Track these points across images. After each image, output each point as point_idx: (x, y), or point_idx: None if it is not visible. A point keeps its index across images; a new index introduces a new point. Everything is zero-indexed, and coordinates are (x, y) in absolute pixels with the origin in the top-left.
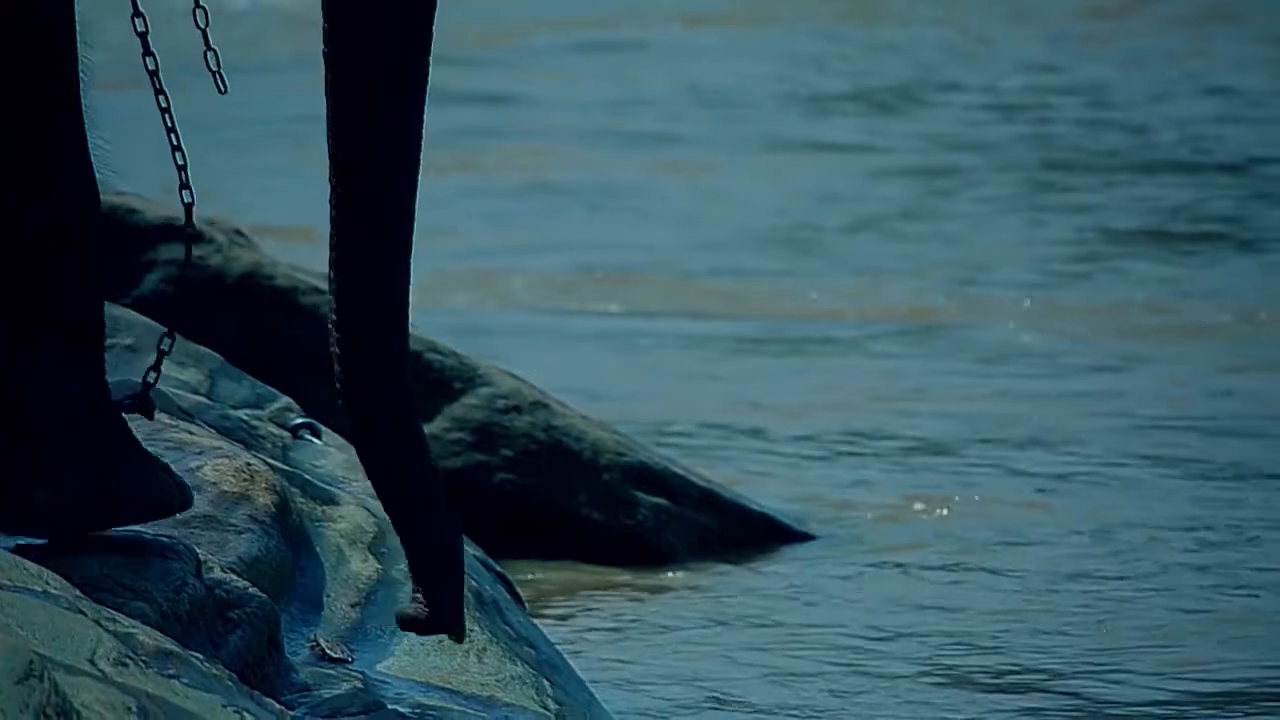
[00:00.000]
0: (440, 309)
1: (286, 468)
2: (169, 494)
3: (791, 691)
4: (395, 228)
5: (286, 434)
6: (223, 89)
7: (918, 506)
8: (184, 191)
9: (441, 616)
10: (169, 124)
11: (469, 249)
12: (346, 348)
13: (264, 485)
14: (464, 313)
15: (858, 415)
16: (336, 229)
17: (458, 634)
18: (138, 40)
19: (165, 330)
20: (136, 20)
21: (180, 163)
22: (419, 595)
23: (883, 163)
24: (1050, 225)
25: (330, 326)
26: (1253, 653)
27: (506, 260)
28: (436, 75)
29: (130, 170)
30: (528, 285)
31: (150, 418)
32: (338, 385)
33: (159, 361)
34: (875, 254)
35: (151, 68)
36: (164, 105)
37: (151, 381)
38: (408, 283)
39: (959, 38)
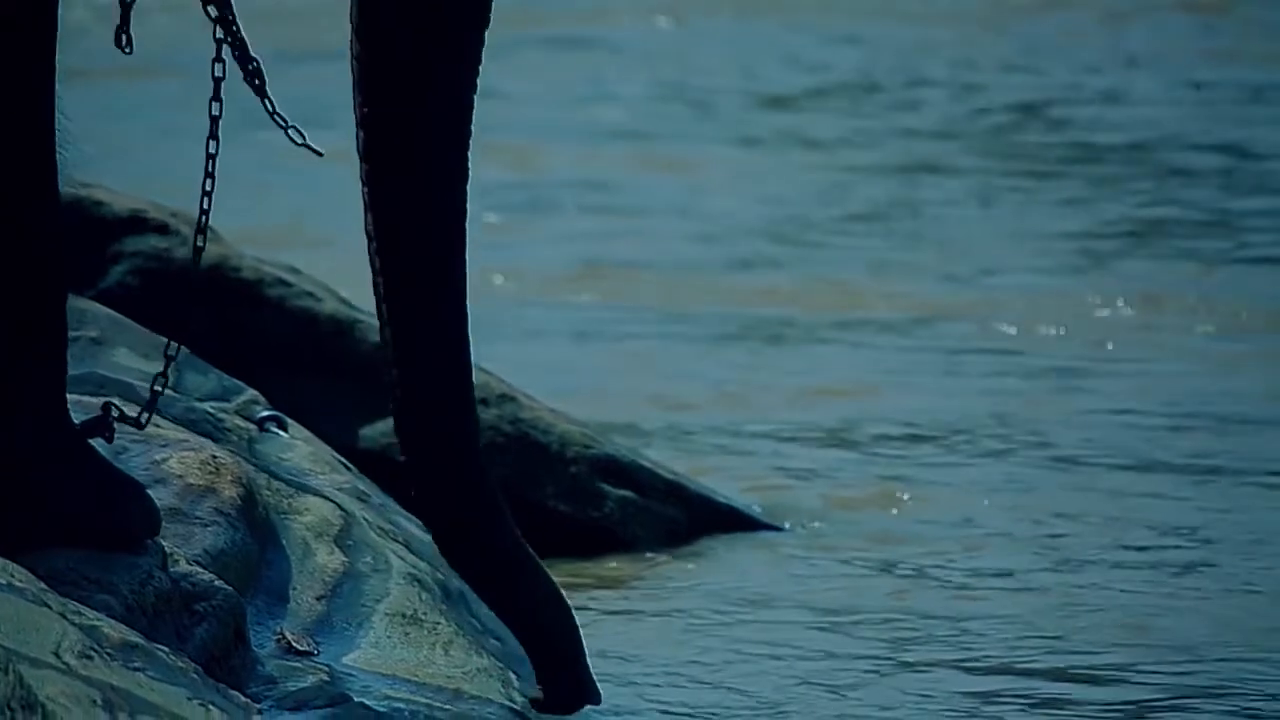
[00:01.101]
0: None
1: (252, 460)
2: (130, 520)
3: (758, 680)
4: (448, 301)
5: (253, 427)
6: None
7: (887, 498)
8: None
9: (567, 695)
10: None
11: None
12: (413, 433)
13: (230, 478)
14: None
15: (829, 407)
16: (388, 305)
17: (594, 700)
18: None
19: (167, 341)
20: (216, 65)
21: (205, 206)
22: (543, 675)
23: (862, 158)
24: (1034, 220)
25: (393, 407)
26: (1214, 649)
27: (481, 253)
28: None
29: (97, 161)
30: (503, 279)
31: (110, 440)
32: (406, 469)
33: (165, 368)
34: (855, 248)
35: (215, 113)
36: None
37: (160, 389)
38: (469, 357)
39: (930, 31)
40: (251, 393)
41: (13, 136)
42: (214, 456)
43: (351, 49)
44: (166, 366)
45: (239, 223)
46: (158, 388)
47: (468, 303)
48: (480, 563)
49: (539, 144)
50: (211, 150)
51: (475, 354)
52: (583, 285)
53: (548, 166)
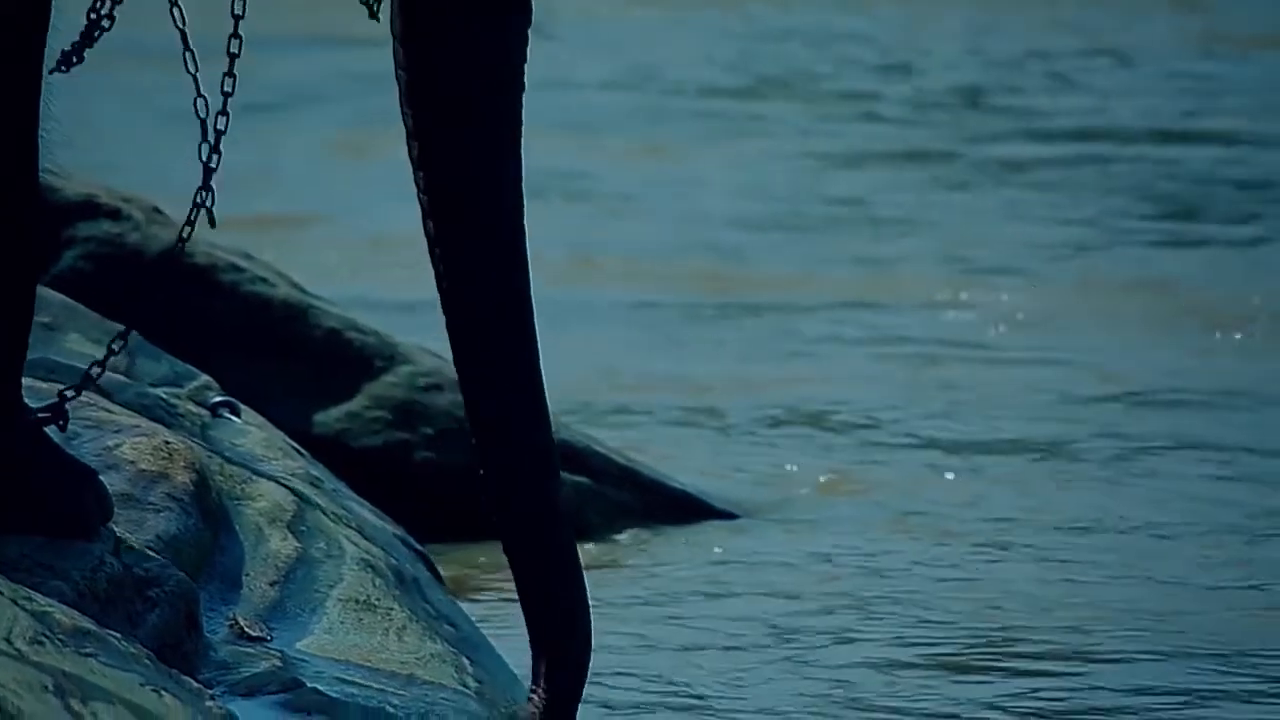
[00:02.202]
0: (379, 286)
1: (205, 446)
2: (83, 506)
3: (707, 667)
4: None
5: (205, 412)
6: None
7: (842, 484)
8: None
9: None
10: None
11: (406, 226)
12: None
13: (182, 464)
14: (404, 290)
15: (786, 395)
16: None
17: None
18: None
19: (121, 330)
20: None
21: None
22: (535, 695)
23: (832, 146)
24: (1013, 208)
25: (472, 431)
26: (1163, 625)
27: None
28: (371, 57)
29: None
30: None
31: (64, 429)
32: (486, 495)
33: (105, 360)
34: (825, 237)
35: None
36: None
37: (96, 375)
38: (540, 375)
39: (895, 21)
40: (204, 378)
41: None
42: (167, 442)
43: (395, 59)
44: (107, 357)
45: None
46: (94, 371)
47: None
48: (544, 585)
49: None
50: (221, 127)
51: (436, 343)
52: (550, 272)
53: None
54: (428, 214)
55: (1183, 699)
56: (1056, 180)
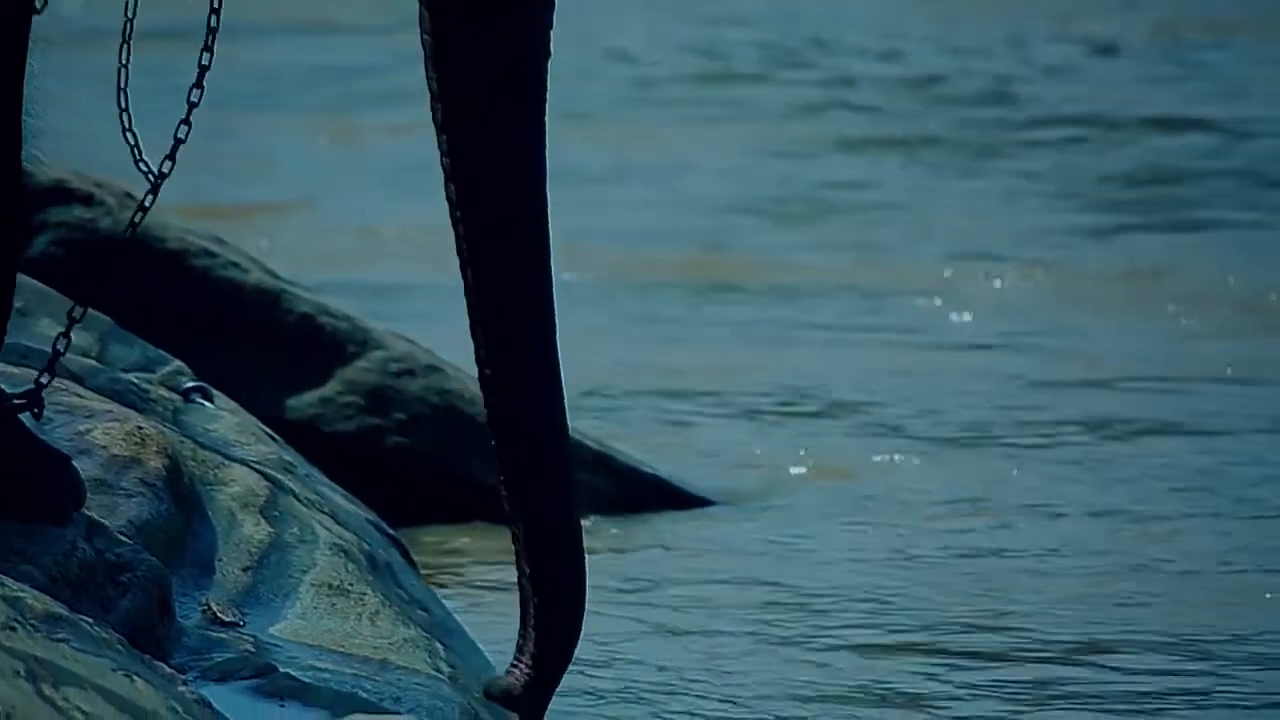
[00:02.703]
0: (351, 273)
1: (178, 431)
2: (55, 492)
3: (681, 652)
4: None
5: (178, 397)
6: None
7: (820, 471)
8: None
9: (517, 709)
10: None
11: (383, 212)
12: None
13: (155, 449)
14: (378, 276)
15: (762, 382)
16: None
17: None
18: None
19: (73, 305)
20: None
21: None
22: (517, 668)
23: (814, 132)
24: (991, 193)
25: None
26: (1129, 611)
27: (423, 224)
28: (339, 42)
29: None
30: (435, 249)
31: (38, 417)
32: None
33: (68, 330)
34: (810, 223)
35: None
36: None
37: (61, 350)
38: (557, 357)
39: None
40: (177, 363)
41: None
42: (139, 427)
43: (422, 24)
44: (69, 328)
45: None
46: (59, 347)
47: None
48: (553, 569)
49: None
50: (194, 99)
51: (412, 329)
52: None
53: None
54: (457, 202)
55: (1158, 679)
56: (1042, 167)
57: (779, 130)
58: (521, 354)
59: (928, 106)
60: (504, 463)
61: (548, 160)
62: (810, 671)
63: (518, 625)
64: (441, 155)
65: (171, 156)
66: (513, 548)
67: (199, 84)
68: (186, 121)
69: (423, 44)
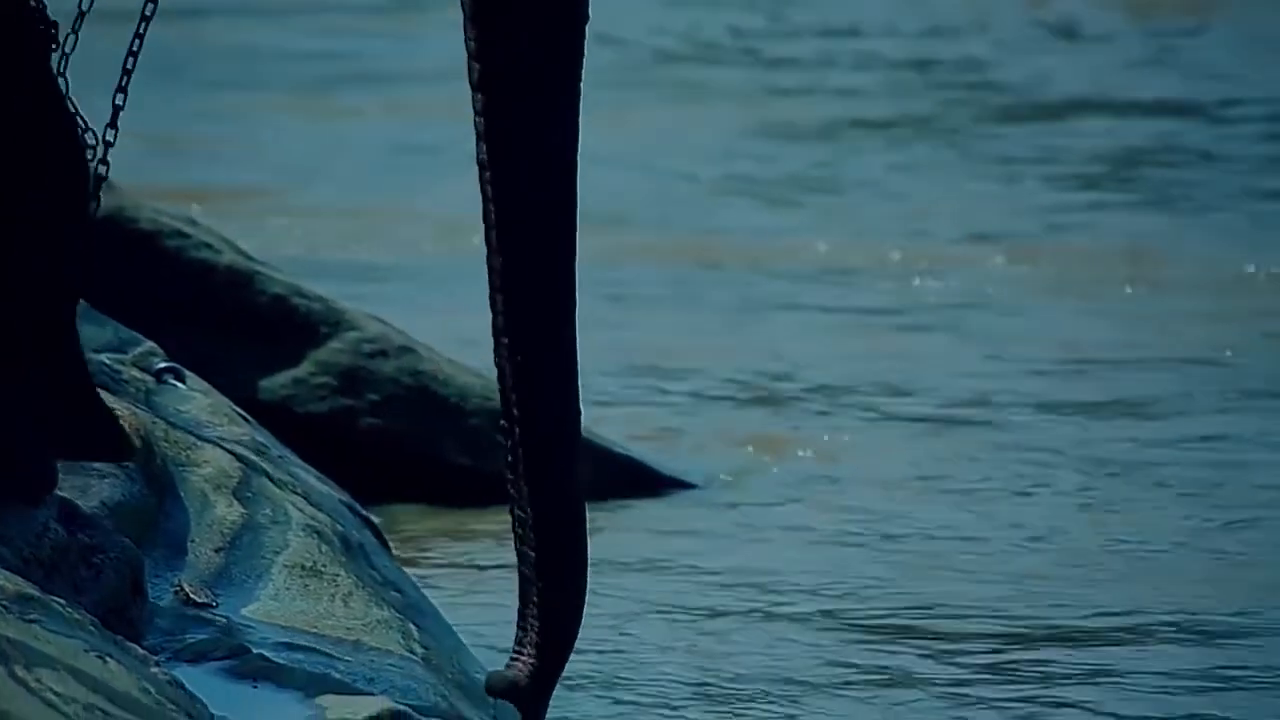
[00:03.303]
0: (324, 256)
1: (150, 412)
2: (27, 472)
3: (654, 633)
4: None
5: (150, 378)
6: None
7: (795, 453)
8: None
9: (520, 699)
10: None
11: (354, 194)
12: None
13: (127, 430)
14: (351, 257)
15: (737, 363)
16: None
17: (533, 716)
18: None
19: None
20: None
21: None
22: (519, 660)
23: (789, 114)
24: (966, 174)
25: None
26: (1115, 590)
27: (396, 205)
28: (316, 22)
29: None
30: (415, 231)
31: None
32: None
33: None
34: (779, 205)
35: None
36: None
37: None
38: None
39: None
40: (149, 344)
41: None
42: (111, 409)
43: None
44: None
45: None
46: None
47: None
48: (558, 552)
49: (448, 95)
50: (129, 66)
51: (385, 310)
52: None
53: (461, 119)
54: (488, 163)
55: (1121, 658)
56: (1022, 149)
57: (758, 112)
58: (543, 326)
59: (907, 89)
60: (518, 445)
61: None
62: (793, 651)
63: (516, 618)
64: (475, 115)
65: (113, 124)
66: (514, 534)
67: (134, 53)
68: (123, 89)
69: (461, 4)
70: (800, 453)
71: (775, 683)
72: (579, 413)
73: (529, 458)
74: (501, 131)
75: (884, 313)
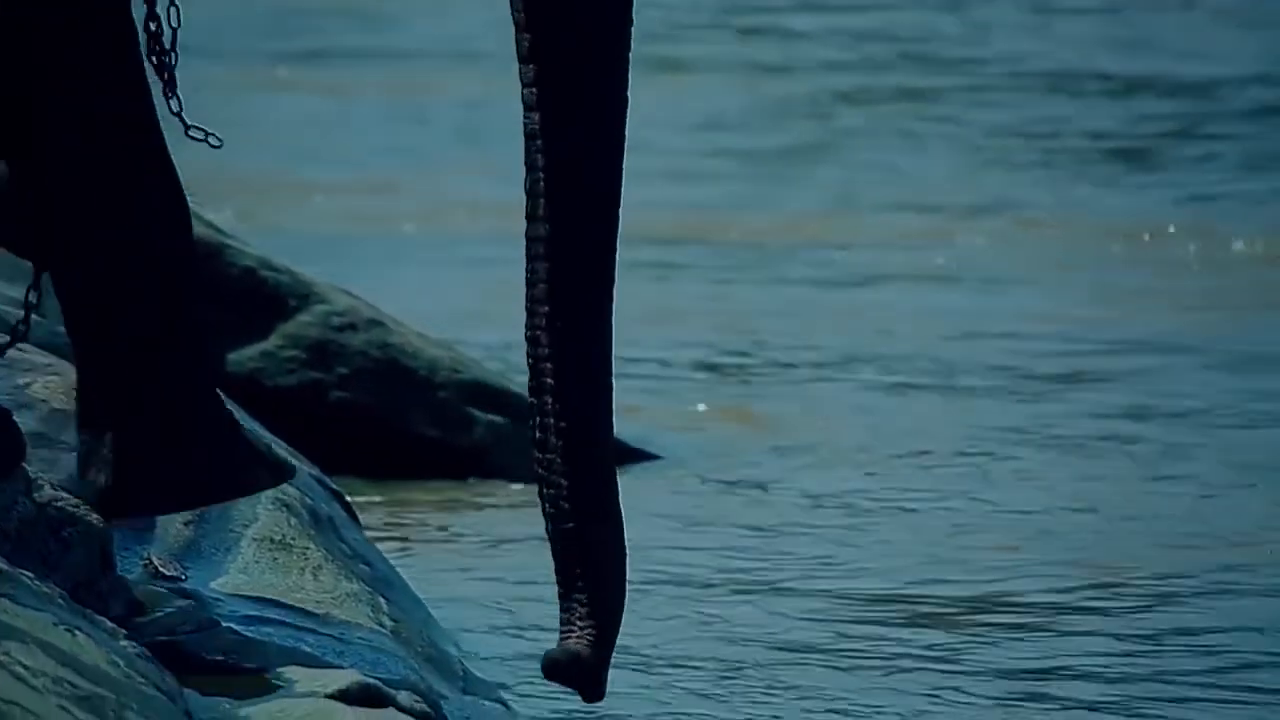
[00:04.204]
0: (298, 231)
1: None
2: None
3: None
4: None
5: None
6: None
7: (761, 427)
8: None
9: (584, 670)
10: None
11: (329, 169)
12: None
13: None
14: (320, 230)
15: (706, 335)
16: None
17: (595, 693)
18: None
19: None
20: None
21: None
22: (568, 640)
23: (762, 86)
24: (933, 146)
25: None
26: (1051, 556)
27: (370, 180)
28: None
29: None
30: (387, 207)
31: None
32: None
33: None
34: (749, 176)
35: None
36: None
37: (34, 302)
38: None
39: None
40: None
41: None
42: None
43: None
44: (37, 279)
45: None
46: (31, 299)
47: None
48: (587, 531)
49: (434, 71)
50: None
51: (353, 283)
52: (484, 211)
53: (444, 93)
54: (538, 132)
55: (1089, 630)
56: (1002, 121)
57: (737, 86)
58: (585, 295)
59: (885, 62)
60: (552, 417)
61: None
62: (768, 621)
63: (558, 599)
64: (524, 86)
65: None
66: (546, 512)
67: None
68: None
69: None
70: (769, 422)
71: (752, 651)
72: (611, 384)
73: (568, 430)
74: (553, 102)
75: (852, 284)
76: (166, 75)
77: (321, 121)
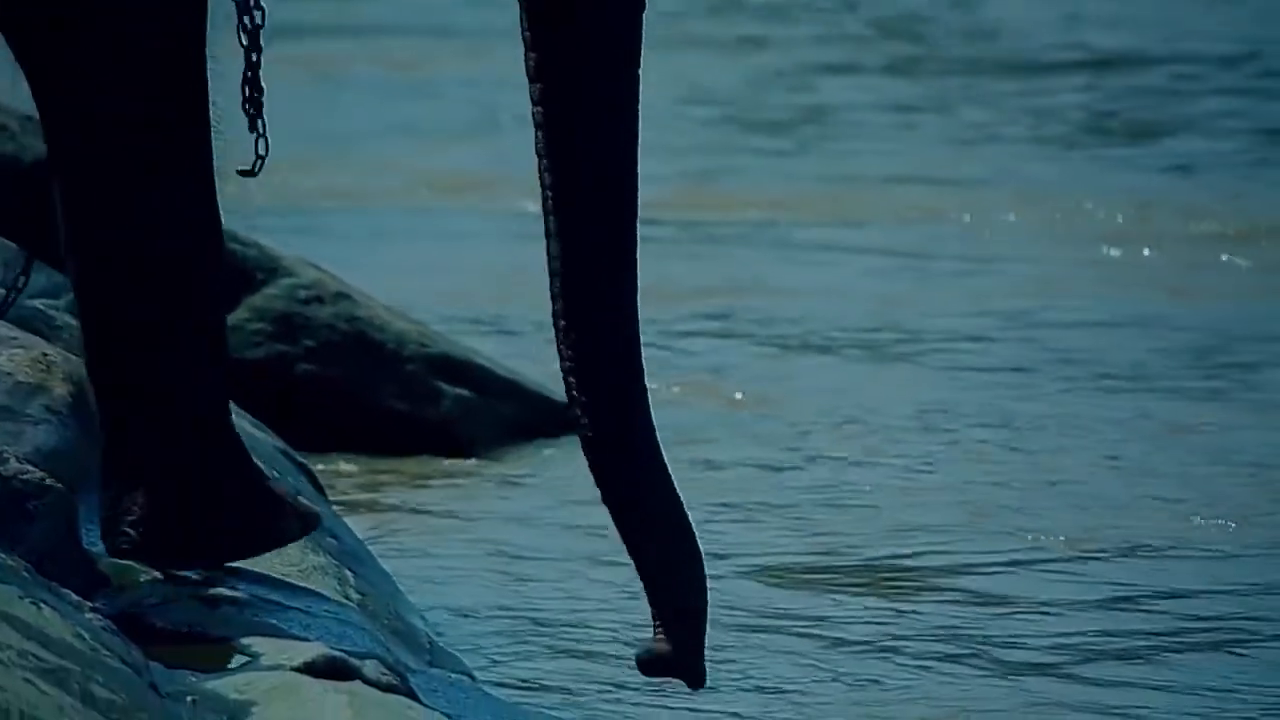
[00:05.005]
0: (265, 206)
1: (84, 358)
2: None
3: (591, 575)
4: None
5: None
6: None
7: (720, 397)
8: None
9: (682, 657)
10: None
11: (306, 140)
12: (587, 406)
13: (61, 376)
14: (286, 202)
15: (673, 306)
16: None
17: (697, 678)
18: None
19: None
20: None
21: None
22: (660, 634)
23: (767, 61)
24: (955, 123)
25: (566, 378)
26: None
27: (344, 153)
28: None
29: None
30: (359, 179)
31: None
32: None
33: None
34: (726, 149)
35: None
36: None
37: (20, 287)
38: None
39: None
40: None
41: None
42: (44, 354)
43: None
44: (27, 266)
45: None
46: (20, 285)
47: None
48: (644, 513)
49: (419, 43)
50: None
51: (320, 256)
52: (444, 189)
53: (428, 66)
54: (548, 169)
55: (1048, 598)
56: (1001, 95)
57: (727, 60)
58: (604, 314)
59: (873, 36)
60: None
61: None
62: (720, 594)
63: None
64: (533, 105)
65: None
66: (619, 515)
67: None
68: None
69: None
70: (736, 394)
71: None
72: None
73: (616, 431)
74: (560, 124)
75: (851, 251)
76: (251, 113)
77: (291, 97)
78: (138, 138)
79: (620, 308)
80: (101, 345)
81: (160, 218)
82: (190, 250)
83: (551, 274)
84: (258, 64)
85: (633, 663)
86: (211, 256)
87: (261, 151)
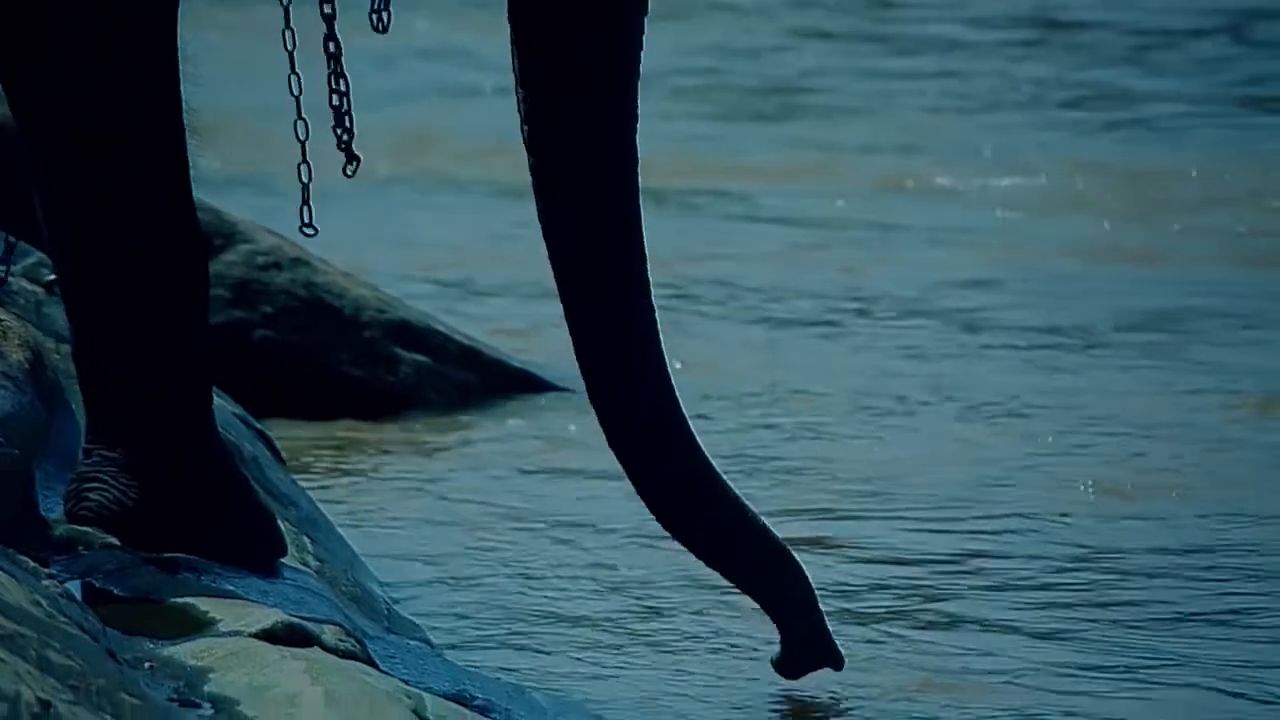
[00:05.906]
0: (222, 170)
1: (40, 324)
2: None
3: (549, 539)
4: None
5: (40, 290)
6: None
7: (679, 364)
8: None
9: (813, 647)
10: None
11: (242, 101)
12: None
13: (16, 342)
14: (242, 167)
15: (668, 273)
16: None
17: (837, 660)
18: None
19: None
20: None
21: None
22: (784, 635)
23: (751, 26)
24: (943, 91)
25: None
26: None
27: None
28: None
29: None
30: (388, 163)
31: None
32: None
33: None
34: (702, 117)
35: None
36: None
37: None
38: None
39: None
40: (38, 255)
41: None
42: (0, 320)
43: None
44: (9, 252)
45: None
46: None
47: None
48: (701, 530)
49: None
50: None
51: (277, 222)
52: (408, 155)
53: (407, 32)
54: (538, 175)
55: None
56: (987, 65)
57: (708, 29)
58: (613, 307)
59: (861, 5)
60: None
61: (491, 60)
62: (669, 557)
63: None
64: (521, 115)
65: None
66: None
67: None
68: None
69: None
70: (677, 364)
71: (681, 587)
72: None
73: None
74: (548, 134)
75: (828, 224)
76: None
77: (254, 62)
78: (116, 141)
79: (647, 372)
80: (86, 337)
81: (140, 218)
82: (169, 248)
83: (552, 264)
84: (338, 55)
85: (602, 625)
86: (190, 251)
87: (349, 146)
